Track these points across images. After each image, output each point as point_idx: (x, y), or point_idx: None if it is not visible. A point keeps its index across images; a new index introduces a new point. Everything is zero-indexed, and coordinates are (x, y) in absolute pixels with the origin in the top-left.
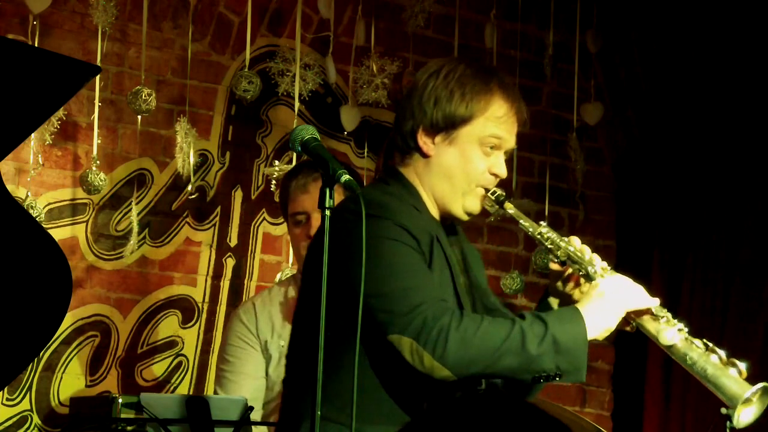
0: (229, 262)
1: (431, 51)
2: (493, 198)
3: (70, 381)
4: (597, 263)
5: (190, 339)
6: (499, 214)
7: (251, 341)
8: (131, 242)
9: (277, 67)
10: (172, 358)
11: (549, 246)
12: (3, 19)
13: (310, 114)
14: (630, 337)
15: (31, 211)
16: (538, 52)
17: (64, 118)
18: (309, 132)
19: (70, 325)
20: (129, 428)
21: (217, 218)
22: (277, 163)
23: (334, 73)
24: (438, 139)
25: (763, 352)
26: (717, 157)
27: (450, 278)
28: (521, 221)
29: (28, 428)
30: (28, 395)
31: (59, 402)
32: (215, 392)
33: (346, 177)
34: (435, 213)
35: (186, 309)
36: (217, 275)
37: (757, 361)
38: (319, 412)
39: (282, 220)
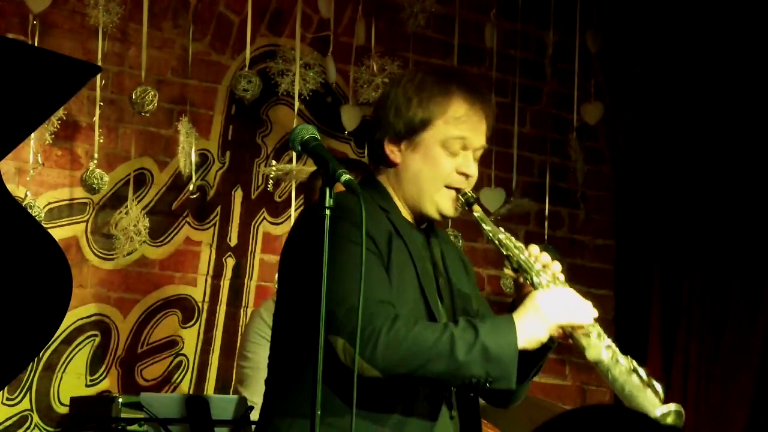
0: (229, 262)
1: (431, 51)
2: (463, 200)
3: (70, 381)
4: (544, 275)
5: (190, 339)
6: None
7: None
8: (132, 241)
9: (277, 67)
10: (172, 357)
11: (505, 252)
12: (3, 18)
13: (310, 113)
14: (630, 336)
15: (30, 211)
16: (538, 52)
17: (64, 118)
18: (309, 131)
19: (70, 325)
20: (129, 428)
21: (217, 218)
22: (274, 162)
23: (334, 72)
24: (403, 146)
25: (763, 351)
26: (717, 157)
27: (414, 275)
28: (483, 224)
29: (28, 428)
30: (28, 395)
31: (59, 402)
32: (237, 391)
33: (346, 176)
34: (408, 215)
35: (186, 309)
36: (217, 275)
37: (757, 362)
38: (318, 412)
39: (282, 219)
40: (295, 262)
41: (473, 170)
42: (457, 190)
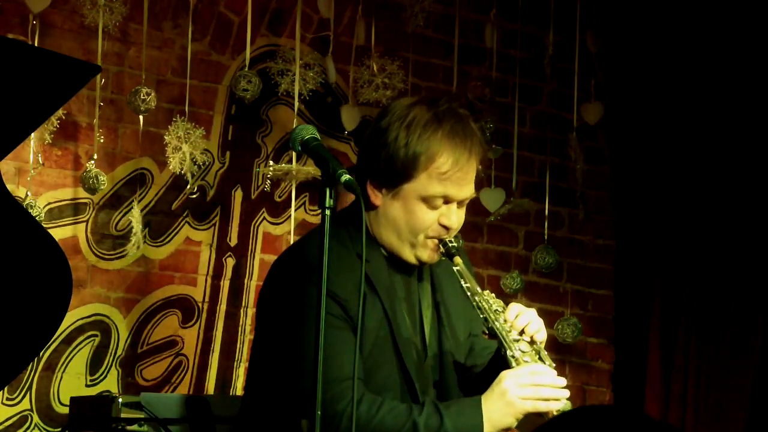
0: (229, 262)
1: (431, 51)
2: (443, 250)
3: (70, 381)
4: (519, 347)
5: (190, 339)
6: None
7: None
8: (132, 241)
9: (277, 67)
10: (172, 357)
11: (481, 315)
12: (3, 18)
13: (310, 113)
14: (630, 336)
15: (31, 211)
16: (538, 52)
17: (64, 118)
18: (309, 131)
19: (70, 325)
20: (129, 428)
21: (217, 218)
22: (272, 163)
23: (334, 72)
24: (384, 191)
25: (763, 351)
26: (717, 156)
27: (390, 336)
28: (462, 281)
29: (28, 428)
30: (28, 395)
31: (59, 402)
32: None
33: (346, 177)
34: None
35: (186, 309)
36: (217, 275)
37: (757, 362)
38: (319, 412)
39: (282, 219)
40: (271, 319)
41: (454, 221)
42: (439, 239)
